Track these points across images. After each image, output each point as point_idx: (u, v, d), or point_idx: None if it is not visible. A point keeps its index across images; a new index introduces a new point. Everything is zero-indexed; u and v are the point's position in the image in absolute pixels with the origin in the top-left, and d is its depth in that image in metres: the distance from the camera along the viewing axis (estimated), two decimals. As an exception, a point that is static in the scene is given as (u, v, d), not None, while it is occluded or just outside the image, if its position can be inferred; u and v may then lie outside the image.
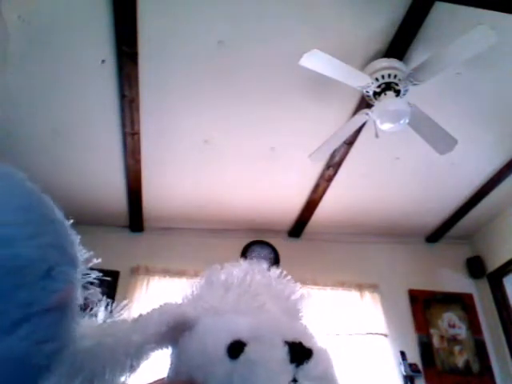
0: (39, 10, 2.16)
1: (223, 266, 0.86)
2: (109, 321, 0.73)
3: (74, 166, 3.28)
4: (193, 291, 0.84)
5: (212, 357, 0.67)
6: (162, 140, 3.04)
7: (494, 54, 2.32)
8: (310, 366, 0.65)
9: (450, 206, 3.88)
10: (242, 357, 0.65)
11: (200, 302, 0.81)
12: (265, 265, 0.89)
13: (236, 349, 0.66)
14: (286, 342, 0.65)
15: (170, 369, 0.75)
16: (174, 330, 0.73)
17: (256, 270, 0.85)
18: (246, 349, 0.65)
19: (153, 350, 0.71)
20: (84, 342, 0.63)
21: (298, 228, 4.10)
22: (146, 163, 3.22)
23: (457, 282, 4.11)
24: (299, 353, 0.65)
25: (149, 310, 0.73)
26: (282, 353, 0.64)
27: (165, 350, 0.75)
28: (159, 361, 0.75)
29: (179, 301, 0.83)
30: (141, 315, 0.72)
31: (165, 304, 0.76)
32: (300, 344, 0.66)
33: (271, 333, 0.67)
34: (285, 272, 0.89)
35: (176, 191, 3.62)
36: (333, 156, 3.15)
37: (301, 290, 0.87)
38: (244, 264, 0.87)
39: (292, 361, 0.64)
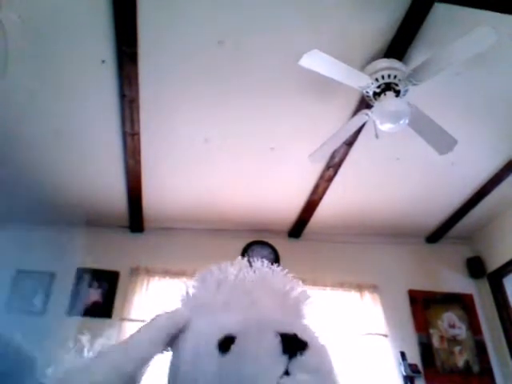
0: (39, 9, 2.16)
1: (220, 264, 0.86)
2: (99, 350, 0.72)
3: (74, 166, 3.29)
4: (187, 291, 0.84)
5: (203, 353, 0.67)
6: (162, 140, 3.04)
7: (494, 54, 2.32)
8: (304, 358, 0.63)
9: (450, 206, 3.88)
10: (232, 350, 0.64)
11: (193, 302, 0.81)
12: (265, 262, 0.88)
13: (226, 343, 0.65)
14: (278, 333, 0.63)
15: (169, 371, 0.75)
16: (171, 336, 0.73)
17: (253, 268, 0.85)
18: (236, 342, 0.65)
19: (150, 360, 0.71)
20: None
21: (297, 228, 4.10)
22: (146, 163, 3.22)
23: (457, 282, 4.11)
24: (292, 344, 0.63)
25: (140, 328, 0.73)
26: (273, 343, 0.62)
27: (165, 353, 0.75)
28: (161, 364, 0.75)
29: (173, 306, 0.83)
30: (131, 337, 0.71)
31: (155, 319, 0.75)
32: (294, 336, 0.64)
33: (262, 325, 0.66)
34: (286, 270, 0.88)
35: (176, 191, 3.62)
36: (333, 156, 3.15)
37: (301, 288, 0.86)
38: (241, 262, 0.86)
39: (284, 352, 0.62)
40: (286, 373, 0.61)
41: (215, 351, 0.65)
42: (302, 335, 0.66)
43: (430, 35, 2.32)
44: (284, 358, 0.62)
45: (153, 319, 0.75)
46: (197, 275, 0.86)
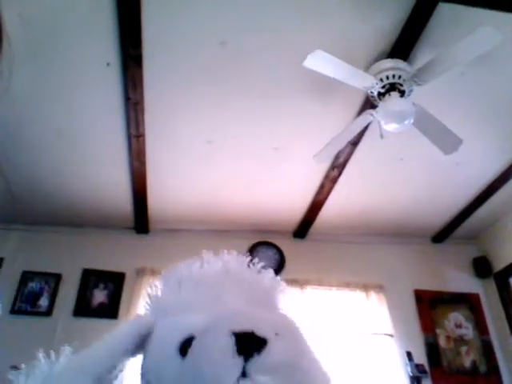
0: (43, 11, 2.15)
1: (185, 261, 0.83)
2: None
3: (79, 167, 3.30)
4: (152, 294, 0.82)
5: (164, 358, 0.64)
6: (166, 142, 3.05)
7: (499, 54, 2.31)
8: (262, 358, 0.59)
9: (455, 206, 3.87)
10: (189, 353, 0.61)
11: (158, 304, 0.79)
12: (233, 254, 0.85)
13: (186, 346, 0.62)
14: (234, 333, 0.60)
15: (140, 375, 0.72)
16: (136, 343, 0.70)
17: (219, 261, 0.83)
18: (193, 343, 0.62)
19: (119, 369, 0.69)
20: None
21: (303, 229, 4.10)
22: (151, 165, 3.23)
23: (463, 281, 4.09)
24: (248, 343, 0.60)
25: (101, 340, 0.71)
26: (228, 345, 0.59)
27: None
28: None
29: (142, 311, 0.81)
30: (90, 350, 0.69)
31: (117, 329, 0.73)
32: (251, 334, 0.60)
33: (219, 325, 0.62)
34: (256, 260, 0.84)
35: (181, 192, 3.62)
36: (337, 157, 3.15)
37: (272, 277, 0.82)
38: (207, 256, 0.84)
39: (240, 353, 0.59)
40: (244, 374, 0.58)
41: (175, 355, 0.63)
42: (262, 331, 0.62)
43: (434, 35, 2.31)
44: (239, 360, 0.58)
45: (115, 330, 0.73)
46: (160, 275, 0.84)
